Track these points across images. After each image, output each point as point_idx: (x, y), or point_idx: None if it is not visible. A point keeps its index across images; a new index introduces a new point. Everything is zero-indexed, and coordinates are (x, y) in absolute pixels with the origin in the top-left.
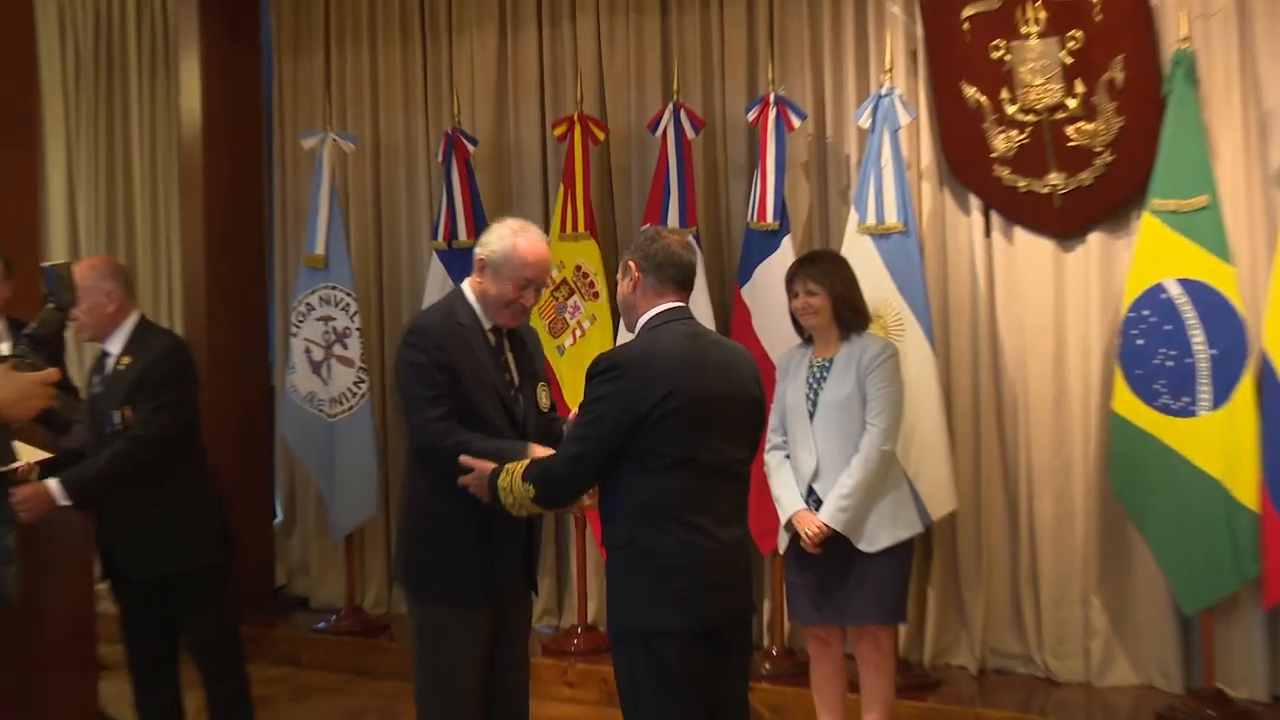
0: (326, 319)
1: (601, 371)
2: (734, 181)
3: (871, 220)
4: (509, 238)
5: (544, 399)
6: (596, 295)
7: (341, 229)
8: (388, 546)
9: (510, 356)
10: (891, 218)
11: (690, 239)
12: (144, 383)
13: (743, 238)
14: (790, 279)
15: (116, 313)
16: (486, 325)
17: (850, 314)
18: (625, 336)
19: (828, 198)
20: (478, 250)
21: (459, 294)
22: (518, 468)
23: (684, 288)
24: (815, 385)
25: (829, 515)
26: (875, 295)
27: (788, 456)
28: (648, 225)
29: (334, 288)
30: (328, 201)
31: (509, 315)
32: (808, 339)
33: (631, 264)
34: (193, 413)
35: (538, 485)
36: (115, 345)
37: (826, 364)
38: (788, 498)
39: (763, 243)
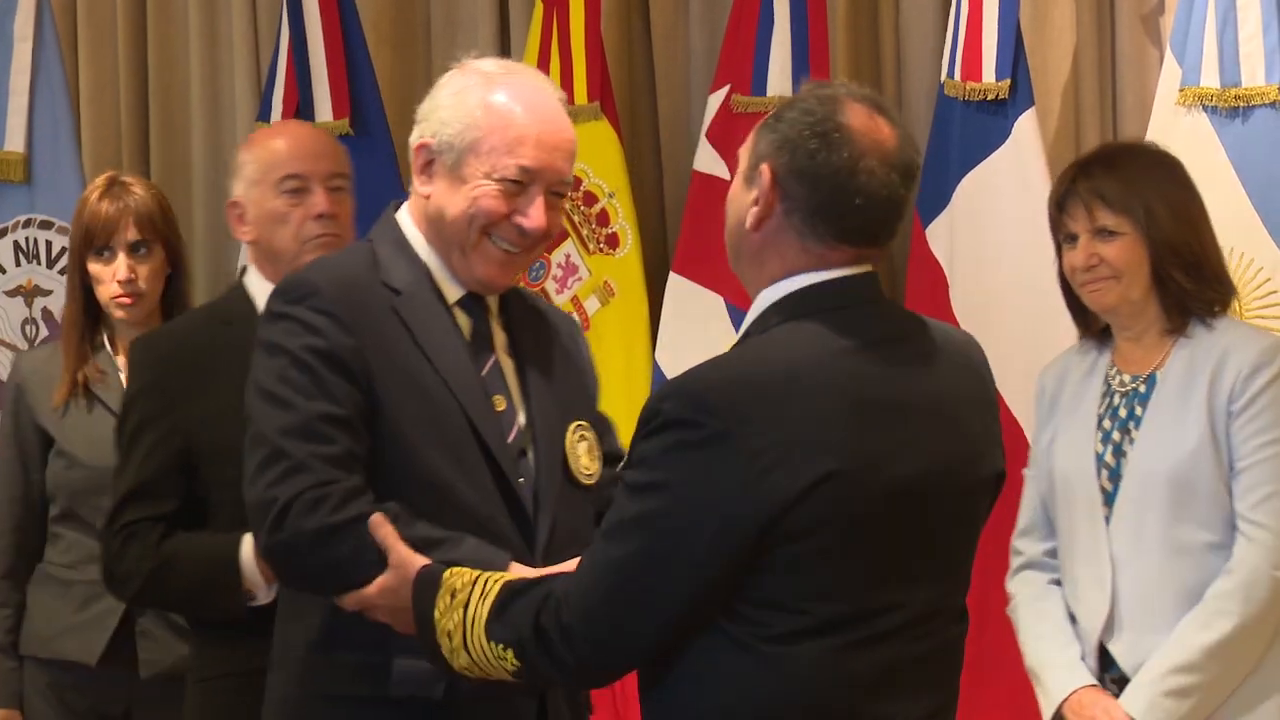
0: (30, 291)
1: (666, 424)
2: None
3: (1211, 80)
4: (477, 89)
5: (584, 458)
6: (615, 243)
7: (65, 102)
8: None
9: (506, 359)
10: (1256, 75)
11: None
12: None
13: (931, 116)
14: (1060, 202)
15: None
16: (451, 295)
17: (1190, 279)
18: (683, 336)
19: (1114, 33)
20: (416, 132)
21: (389, 233)
22: (484, 588)
23: (875, 241)
24: (1118, 434)
25: (1146, 707)
26: (1223, 239)
27: (1056, 582)
28: (813, 82)
29: (49, 225)
30: (32, 40)
31: (488, 259)
32: (1100, 331)
33: (766, 170)
34: None
35: (524, 653)
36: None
37: (1142, 388)
38: (1055, 664)
39: (974, 127)
